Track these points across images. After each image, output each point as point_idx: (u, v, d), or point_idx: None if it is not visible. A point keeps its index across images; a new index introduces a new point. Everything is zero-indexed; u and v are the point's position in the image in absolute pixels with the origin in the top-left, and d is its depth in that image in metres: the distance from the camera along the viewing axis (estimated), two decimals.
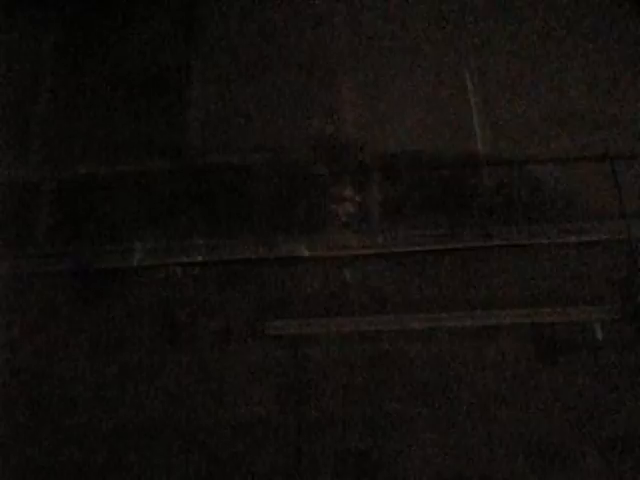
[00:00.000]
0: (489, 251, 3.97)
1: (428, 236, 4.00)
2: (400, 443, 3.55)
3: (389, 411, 3.62)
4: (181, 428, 3.66)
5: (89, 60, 4.78)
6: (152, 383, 3.77)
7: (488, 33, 4.66)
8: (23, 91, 4.67)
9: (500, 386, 3.66)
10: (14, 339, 3.88)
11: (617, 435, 3.52)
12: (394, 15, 4.74)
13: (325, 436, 3.60)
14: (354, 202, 4.17)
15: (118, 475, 3.59)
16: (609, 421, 3.56)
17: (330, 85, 4.56)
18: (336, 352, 3.78)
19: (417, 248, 3.97)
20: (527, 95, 4.44)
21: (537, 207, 4.10)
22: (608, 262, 3.93)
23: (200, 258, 4.05)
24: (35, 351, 3.85)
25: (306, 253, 4.03)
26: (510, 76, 4.53)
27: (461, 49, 4.61)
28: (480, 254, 3.96)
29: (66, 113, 4.61)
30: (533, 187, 4.17)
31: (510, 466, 3.52)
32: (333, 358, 3.76)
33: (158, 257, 4.06)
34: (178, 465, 3.59)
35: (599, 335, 3.76)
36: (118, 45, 4.80)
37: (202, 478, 3.57)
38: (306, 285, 3.94)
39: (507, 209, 4.10)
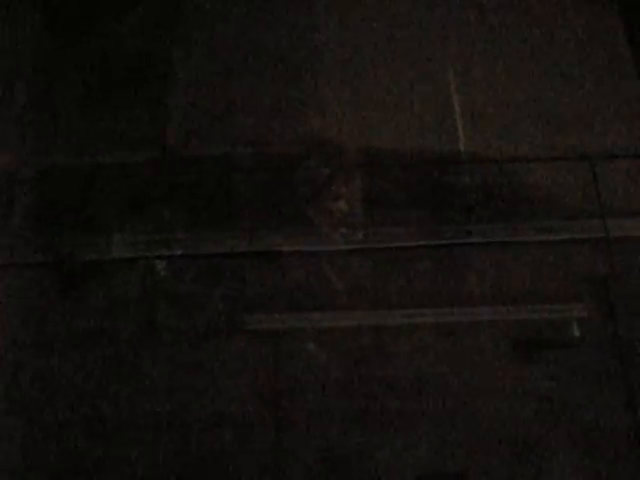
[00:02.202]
0: (469, 248, 3.99)
1: (410, 233, 4.01)
2: (379, 439, 3.57)
3: (368, 407, 3.63)
4: (160, 423, 3.65)
5: (70, 48, 4.72)
6: (131, 377, 3.75)
7: (472, 33, 4.67)
8: (2, 79, 4.60)
9: (477, 382, 3.69)
10: None
11: (591, 429, 3.57)
12: (380, 14, 4.74)
13: (305, 432, 3.60)
14: (336, 198, 4.16)
15: (95, 469, 3.56)
16: (584, 416, 3.61)
17: (314, 80, 4.54)
18: (316, 347, 3.78)
19: (398, 244, 3.98)
20: (509, 94, 4.47)
21: (517, 205, 4.14)
22: (586, 260, 3.98)
23: (180, 251, 4.02)
24: (10, 343, 3.80)
25: (287, 248, 4.02)
26: (492, 75, 4.55)
27: (445, 49, 4.62)
28: (460, 251, 3.98)
29: (46, 101, 4.54)
30: (514, 185, 4.20)
31: (487, 460, 3.56)
32: (313, 353, 3.77)
33: (138, 250, 4.03)
34: (157, 459, 3.57)
35: (576, 332, 3.81)
36: (100, 33, 4.74)
37: (180, 473, 3.56)
38: (287, 280, 3.93)
39: (487, 207, 4.13)
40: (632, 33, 4.62)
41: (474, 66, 4.55)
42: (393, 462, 3.54)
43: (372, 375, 3.69)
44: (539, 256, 3.99)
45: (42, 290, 3.95)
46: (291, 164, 4.27)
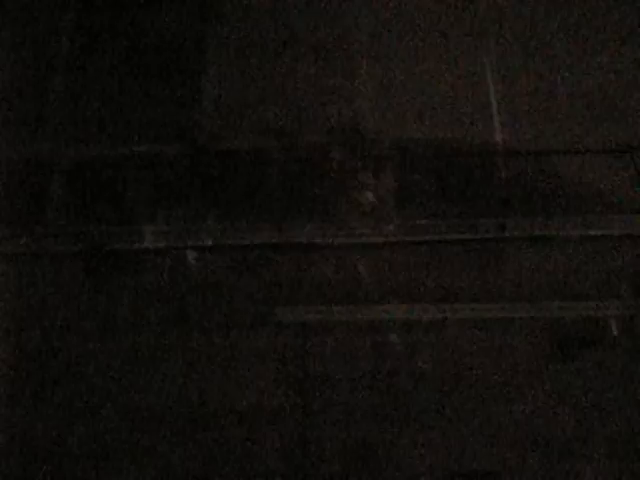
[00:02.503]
0: (503, 242, 3.89)
1: (442, 226, 3.93)
2: (407, 435, 3.51)
3: (396, 402, 3.57)
4: (188, 413, 3.65)
5: (105, 40, 4.75)
6: (160, 367, 3.76)
7: (509, 22, 4.56)
8: (39, 70, 4.66)
9: (511, 380, 3.60)
10: (23, 320, 3.88)
11: (627, 432, 3.46)
12: (415, 5, 4.66)
13: (331, 426, 3.56)
14: (369, 190, 4.11)
15: (124, 457, 3.58)
16: (620, 418, 3.49)
17: (348, 71, 4.49)
18: (346, 340, 3.73)
19: (431, 237, 3.91)
20: (547, 85, 4.35)
21: (554, 199, 4.02)
22: (626, 257, 3.84)
23: (211, 242, 4.01)
24: (44, 332, 3.85)
25: (317, 240, 3.98)
26: (530, 65, 4.44)
27: (482, 38, 4.52)
28: (494, 245, 3.89)
29: (81, 93, 4.58)
30: (551, 179, 4.08)
31: (518, 461, 3.47)
32: (342, 346, 3.72)
33: (169, 240, 4.04)
34: (183, 449, 3.57)
35: (614, 331, 3.68)
36: (134, 25, 4.76)
37: (207, 464, 3.55)
38: (316, 272, 3.89)
39: (523, 200, 4.02)
40: None
41: (511, 56, 4.45)
42: (421, 459, 3.48)
43: (401, 370, 3.63)
44: (577, 252, 3.87)
45: (74, 279, 3.99)
46: (322, 155, 4.23)
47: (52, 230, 4.13)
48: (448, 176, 4.09)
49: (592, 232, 3.92)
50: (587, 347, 3.66)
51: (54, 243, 4.08)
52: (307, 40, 4.61)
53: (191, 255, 4.00)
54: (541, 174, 4.09)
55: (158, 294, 3.91)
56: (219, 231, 4.05)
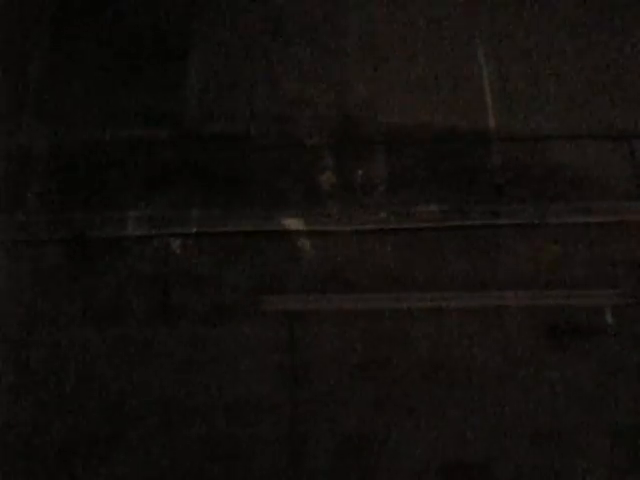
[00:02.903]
0: (498, 230, 3.80)
1: (435, 213, 3.83)
2: (401, 426, 3.41)
3: (389, 393, 3.48)
4: (174, 404, 3.53)
5: (87, 23, 4.61)
6: (144, 357, 3.64)
7: (502, 5, 4.46)
8: (19, 55, 4.51)
9: (505, 369, 3.51)
10: (2, 307, 3.74)
11: (624, 421, 3.39)
12: None
13: (322, 418, 3.46)
14: (357, 176, 4.00)
15: (109, 452, 3.47)
16: (617, 407, 3.42)
17: (340, 56, 4.37)
18: (335, 330, 3.63)
19: (422, 225, 3.81)
20: (541, 70, 4.25)
21: (549, 186, 3.93)
22: (622, 244, 3.76)
23: (195, 229, 3.89)
24: (24, 320, 3.72)
25: (306, 227, 3.87)
26: (524, 50, 4.34)
27: (475, 21, 4.42)
28: (488, 232, 3.79)
29: (62, 78, 4.44)
30: (545, 165, 3.99)
31: (514, 450, 3.38)
32: (331, 336, 3.62)
33: (152, 227, 3.91)
34: (170, 440, 3.46)
35: (609, 320, 3.60)
36: (117, 8, 4.62)
37: (195, 456, 3.45)
38: (305, 260, 3.78)
39: (517, 187, 3.93)
40: None
41: (504, 41, 4.35)
42: (414, 449, 3.39)
43: (393, 360, 3.53)
44: (572, 239, 3.79)
45: (57, 267, 3.86)
46: (311, 142, 4.12)
47: (32, 218, 3.99)
48: (439, 162, 3.98)
49: (587, 219, 3.83)
50: (581, 336, 3.58)
51: (34, 231, 3.95)
52: (298, 25, 4.49)
53: (175, 243, 3.88)
54: (535, 160, 4.00)
55: (141, 282, 3.78)
56: (204, 218, 3.93)
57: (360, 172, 4.00)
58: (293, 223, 3.87)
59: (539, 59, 4.29)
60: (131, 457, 3.46)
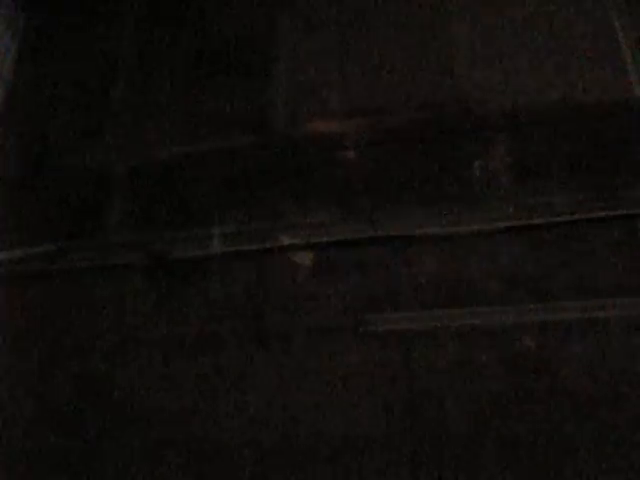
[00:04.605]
0: None
1: (577, 203, 3.12)
2: (555, 470, 2.68)
3: (535, 428, 2.76)
4: (272, 445, 2.98)
5: (168, 34, 4.29)
6: (237, 390, 3.13)
7: None
8: (101, 70, 4.24)
9: None
10: (76, 343, 3.36)
11: None
12: None
13: (448, 459, 2.79)
14: (477, 167, 3.36)
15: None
16: None
17: (447, 43, 3.79)
18: (457, 352, 2.97)
19: (561, 219, 3.10)
20: None
21: None
22: None
23: (289, 242, 3.37)
24: (99, 357, 3.31)
25: (418, 232, 3.26)
26: None
27: None
28: None
29: (144, 91, 4.12)
30: None
31: None
32: (454, 360, 2.96)
33: (240, 243, 3.43)
34: None
35: None
36: (199, 16, 4.28)
37: None
38: (419, 270, 3.16)
39: None
40: None
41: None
42: None
43: (538, 387, 2.82)
44: None
45: (138, 293, 3.45)
46: (416, 134, 3.53)
47: (110, 241, 3.62)
48: (578, 143, 3.27)
49: None
50: None
51: (113, 255, 3.57)
52: (395, 13, 3.95)
53: (267, 259, 3.37)
54: None
55: (231, 306, 3.29)
56: (299, 229, 3.41)
57: (478, 163, 3.35)
58: (402, 228, 3.27)
59: None
60: None
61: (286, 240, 3.37)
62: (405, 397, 2.94)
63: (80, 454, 3.17)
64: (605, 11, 3.64)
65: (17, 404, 3.33)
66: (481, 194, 3.26)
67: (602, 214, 3.03)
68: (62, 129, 4.08)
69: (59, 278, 3.54)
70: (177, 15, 4.34)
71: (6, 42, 4.68)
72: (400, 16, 3.96)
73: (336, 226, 3.35)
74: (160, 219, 3.62)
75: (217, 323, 3.30)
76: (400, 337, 3.02)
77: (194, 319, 3.34)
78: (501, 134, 3.38)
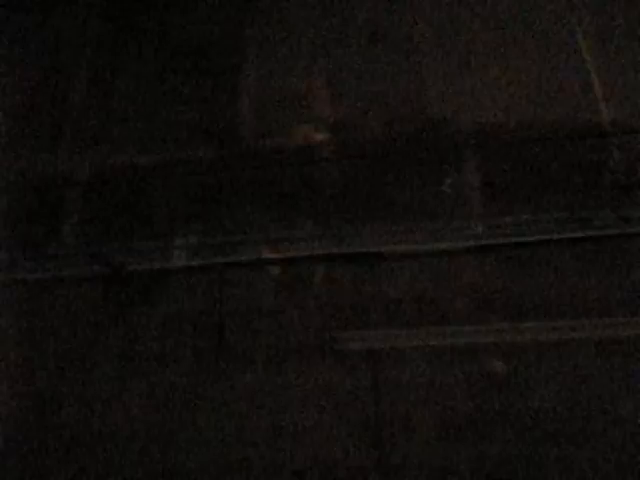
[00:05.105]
0: (627, 240, 3.04)
1: (544, 222, 3.10)
2: None
3: (503, 455, 2.70)
4: (230, 472, 2.86)
5: (131, 40, 4.17)
6: (196, 413, 2.99)
7: None
8: (58, 73, 4.09)
9: None
10: (29, 358, 3.18)
11: None
12: None
13: None
14: (447, 185, 3.32)
15: None
16: None
17: (409, 55, 3.77)
18: (428, 372, 2.90)
19: (531, 238, 3.08)
20: None
21: None
22: None
23: (253, 256, 3.27)
24: (53, 373, 3.14)
25: (387, 249, 3.20)
26: (633, 36, 3.65)
27: (575, 9, 3.76)
28: (615, 244, 3.03)
29: (104, 97, 3.98)
30: None
31: None
32: (424, 380, 2.89)
33: (203, 256, 3.31)
34: None
35: None
36: (163, 21, 4.18)
37: None
38: (388, 288, 3.10)
39: None
40: None
41: (612, 30, 3.67)
42: None
43: (507, 411, 2.77)
44: None
45: (93, 307, 3.29)
46: (384, 150, 3.48)
47: (66, 251, 3.46)
48: (545, 163, 3.27)
49: None
50: None
51: (68, 266, 3.41)
52: (361, 27, 3.92)
53: (230, 273, 3.26)
54: None
55: (191, 321, 3.17)
56: (264, 243, 3.31)
57: (448, 180, 3.32)
58: (371, 244, 3.20)
59: None
60: None
61: (252, 255, 3.26)
62: (372, 419, 2.85)
63: (22, 476, 2.99)
64: (573, 34, 3.68)
65: None
66: (451, 212, 3.22)
67: (571, 234, 3.02)
68: (18, 133, 3.93)
69: (10, 288, 3.36)
70: (141, 23, 4.23)
71: None
72: (373, 30, 3.94)
73: (305, 241, 3.26)
74: (119, 229, 3.47)
75: (174, 339, 3.17)
76: (368, 357, 2.94)
77: (151, 335, 3.20)
78: (471, 152, 3.35)
